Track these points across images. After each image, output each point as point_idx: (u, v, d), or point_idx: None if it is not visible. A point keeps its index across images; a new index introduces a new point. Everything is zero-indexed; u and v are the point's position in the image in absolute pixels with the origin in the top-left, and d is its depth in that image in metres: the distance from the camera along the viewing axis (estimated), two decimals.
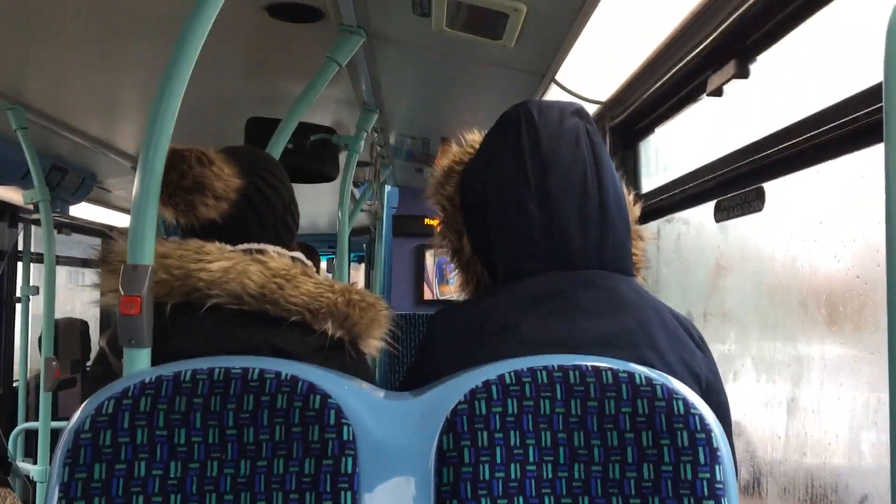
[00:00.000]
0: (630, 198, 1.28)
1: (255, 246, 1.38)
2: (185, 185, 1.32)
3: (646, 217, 1.54)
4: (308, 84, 2.10)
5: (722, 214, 1.68)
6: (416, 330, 4.94)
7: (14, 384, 4.69)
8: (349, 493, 0.94)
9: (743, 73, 1.62)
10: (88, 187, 4.20)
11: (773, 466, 1.72)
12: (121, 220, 5.42)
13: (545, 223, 1.17)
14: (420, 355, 1.22)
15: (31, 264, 4.78)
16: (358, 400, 1.00)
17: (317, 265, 1.38)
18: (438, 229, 1.34)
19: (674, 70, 1.91)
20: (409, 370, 1.23)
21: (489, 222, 1.23)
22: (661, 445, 0.96)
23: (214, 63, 2.18)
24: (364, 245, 8.49)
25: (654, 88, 2.09)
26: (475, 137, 1.32)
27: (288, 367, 1.00)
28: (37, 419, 3.57)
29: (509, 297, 1.16)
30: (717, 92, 1.73)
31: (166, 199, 1.31)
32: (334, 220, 3.58)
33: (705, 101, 1.94)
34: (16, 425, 4.28)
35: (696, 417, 0.96)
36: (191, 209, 1.33)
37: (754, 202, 1.54)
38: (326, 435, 0.95)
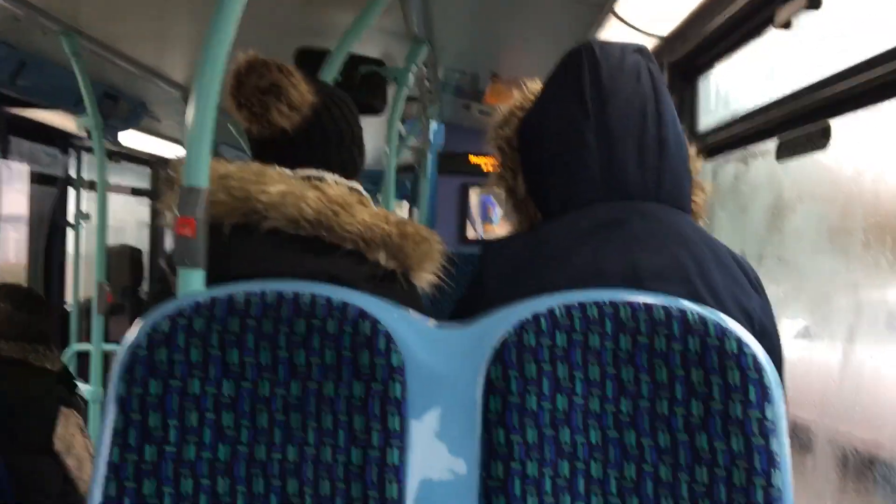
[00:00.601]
0: (691, 150, 1.25)
1: (314, 173, 1.39)
2: (263, 86, 1.34)
3: (705, 154, 1.49)
4: (359, 14, 2.07)
5: (784, 152, 1.62)
6: (461, 269, 4.95)
7: (67, 308, 4.85)
8: (397, 417, 0.95)
9: (815, 2, 1.54)
10: (139, 115, 4.24)
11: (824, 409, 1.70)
12: (169, 149, 5.49)
13: (603, 153, 1.16)
14: (472, 286, 1.22)
15: (83, 191, 4.88)
16: (407, 328, 1.00)
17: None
18: (495, 170, 1.33)
19: (742, 1, 1.83)
20: (460, 301, 1.23)
21: (546, 155, 1.22)
22: (710, 383, 0.95)
23: None
24: (407, 183, 8.49)
25: (719, 22, 2.00)
26: (537, 86, 1.31)
27: (339, 293, 1.00)
28: (88, 342, 3.69)
29: (562, 228, 1.15)
30: (786, 24, 1.65)
31: (242, 101, 1.35)
32: (380, 157, 3.58)
33: (771, 35, 1.86)
34: (68, 347, 4.44)
35: (749, 357, 0.95)
36: (265, 113, 1.36)
37: (819, 140, 1.48)
38: (376, 360, 0.96)
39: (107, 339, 3.85)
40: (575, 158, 1.18)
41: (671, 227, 1.14)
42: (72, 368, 4.29)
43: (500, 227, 5.49)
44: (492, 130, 1.33)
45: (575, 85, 1.20)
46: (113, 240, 5.84)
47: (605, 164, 1.16)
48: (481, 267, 1.20)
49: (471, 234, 5.67)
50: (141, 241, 6.36)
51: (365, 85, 2.97)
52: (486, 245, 1.23)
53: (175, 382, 0.95)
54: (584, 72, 1.20)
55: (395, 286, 1.31)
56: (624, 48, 1.23)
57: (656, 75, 1.21)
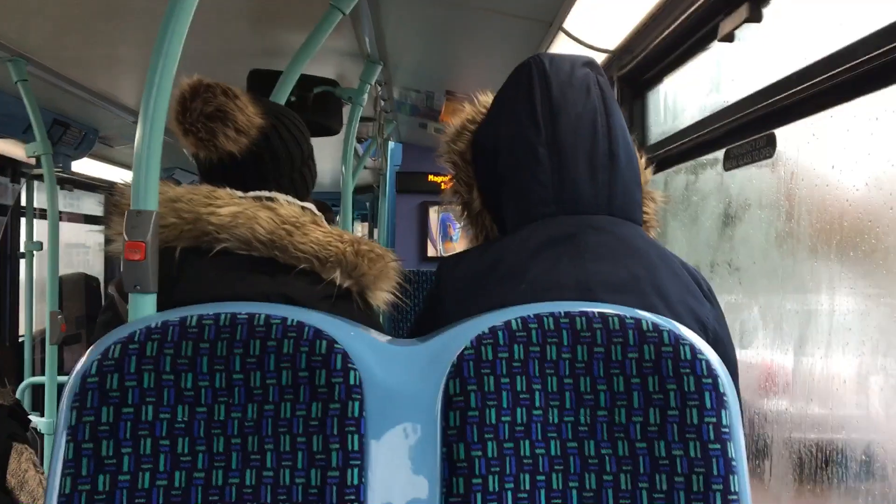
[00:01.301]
0: (641, 160, 1.27)
1: (265, 193, 1.37)
2: (208, 111, 1.33)
3: (655, 167, 1.52)
4: (311, 33, 2.07)
5: (732, 162, 1.66)
6: (421, 286, 4.96)
7: (20, 340, 4.73)
8: (356, 437, 0.94)
9: (756, 16, 1.58)
10: (91, 142, 4.18)
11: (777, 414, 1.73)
12: (124, 176, 5.39)
13: (555, 168, 1.17)
14: (428, 303, 1.22)
15: (35, 220, 4.77)
16: (364, 345, 0.99)
17: (330, 222, 1.38)
18: (449, 185, 1.34)
19: (684, 16, 1.87)
20: (418, 318, 1.23)
21: (500, 170, 1.23)
22: (667, 390, 0.96)
23: (215, 13, 2.15)
24: (367, 203, 8.47)
25: (663, 35, 2.05)
26: (488, 99, 1.32)
27: (294, 313, 0.99)
28: (43, 374, 3.60)
29: (517, 242, 1.16)
30: (729, 37, 1.69)
31: (188, 126, 1.33)
32: (337, 178, 3.57)
33: (715, 48, 1.90)
34: (23, 380, 4.32)
35: (703, 362, 0.96)
36: (211, 138, 1.34)
37: (765, 149, 1.52)
38: (333, 379, 0.95)
39: (63, 370, 3.75)
40: (527, 174, 1.19)
41: (623, 240, 1.15)
42: (27, 401, 4.18)
43: (460, 245, 5.52)
44: (444, 145, 1.33)
45: (526, 99, 1.21)
46: (80, 267, 5.73)
47: (557, 179, 1.17)
48: (438, 283, 1.20)
49: (431, 251, 5.67)
50: (98, 268, 6.25)
51: (320, 106, 2.96)
52: (443, 261, 1.23)
53: (127, 409, 0.94)
54: (535, 86, 1.21)
55: (352, 305, 1.30)
56: (573, 62, 1.24)
57: (605, 88, 1.22)
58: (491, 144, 1.25)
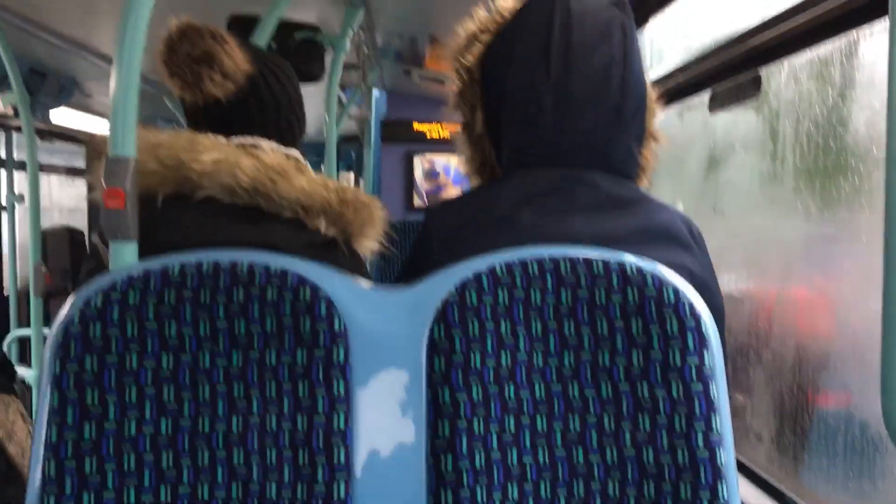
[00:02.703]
0: (653, 99, 1.22)
1: (249, 140, 1.36)
2: (195, 54, 1.31)
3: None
4: None
5: (717, 104, 1.65)
6: (408, 237, 4.95)
7: (5, 294, 4.71)
8: (341, 382, 0.95)
9: None
10: (69, 91, 4.10)
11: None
12: (104, 125, 5.31)
13: (557, 118, 1.14)
14: (416, 249, 1.21)
15: (15, 172, 4.72)
16: (348, 292, 0.99)
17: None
18: (453, 98, 1.27)
19: None
20: (405, 266, 1.22)
21: (504, 105, 1.19)
22: (650, 332, 0.96)
23: None
24: (352, 153, 8.40)
25: None
26: (505, 4, 1.22)
27: (277, 261, 0.99)
28: (29, 326, 3.60)
29: (507, 191, 1.15)
30: None
31: (174, 69, 1.31)
32: (321, 128, 3.52)
33: None
34: (8, 332, 4.32)
35: (686, 305, 0.97)
36: (197, 82, 1.32)
37: (751, 89, 1.50)
38: (318, 326, 0.95)
39: (50, 323, 3.75)
40: (529, 116, 1.15)
41: (614, 196, 1.14)
42: (14, 353, 4.19)
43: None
44: (452, 52, 1.25)
45: (542, 35, 1.14)
46: (67, 221, 5.68)
47: (558, 130, 1.14)
48: (425, 230, 1.19)
49: (417, 202, 5.66)
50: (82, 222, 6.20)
51: (302, 52, 2.91)
52: (430, 209, 1.21)
53: (111, 358, 0.93)
54: (555, 19, 1.14)
55: (337, 253, 1.30)
56: (596, 1, 1.16)
57: (629, 32, 1.16)
58: (500, 73, 1.19)
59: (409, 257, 1.23)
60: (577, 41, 1.13)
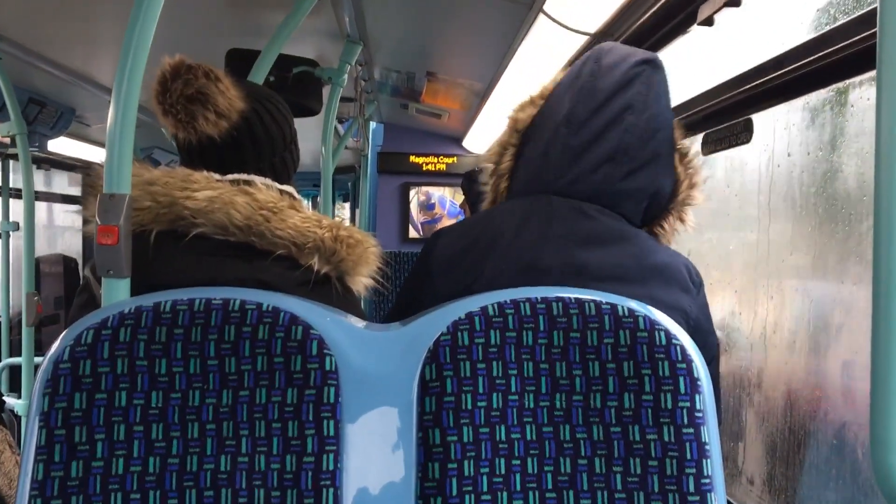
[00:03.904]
0: (679, 166, 1.25)
1: (243, 177, 1.36)
2: (188, 93, 1.30)
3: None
4: (290, 12, 2.04)
5: (709, 147, 1.66)
6: (402, 268, 4.95)
7: None
8: (332, 422, 0.94)
9: (735, 0, 1.58)
10: (67, 121, 4.12)
11: None
12: (101, 154, 5.32)
13: (566, 150, 1.19)
14: (414, 272, 1.25)
15: (11, 200, 4.71)
16: (340, 331, 0.99)
17: None
18: (495, 146, 1.35)
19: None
20: (402, 289, 1.25)
21: (528, 140, 1.26)
22: (641, 375, 0.96)
23: None
24: (349, 183, 8.43)
25: (643, 19, 2.04)
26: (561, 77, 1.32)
27: (270, 299, 0.99)
28: (20, 355, 3.57)
29: (505, 216, 1.18)
30: (709, 21, 1.69)
31: (167, 108, 1.31)
32: (318, 158, 3.54)
33: (695, 32, 1.90)
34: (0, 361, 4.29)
35: (678, 348, 0.97)
36: (190, 121, 1.32)
37: (742, 134, 1.52)
38: (309, 365, 0.95)
39: (41, 352, 3.72)
40: (544, 149, 1.22)
41: (611, 229, 1.16)
42: (4, 382, 4.15)
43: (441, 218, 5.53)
44: (513, 112, 1.34)
45: (572, 81, 1.23)
46: (61, 247, 5.67)
47: (565, 162, 1.19)
48: (425, 253, 1.23)
49: (413, 234, 5.66)
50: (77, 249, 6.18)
51: (300, 86, 2.93)
52: (432, 234, 1.26)
53: (100, 395, 0.93)
54: (584, 72, 1.23)
55: (331, 291, 1.30)
56: (629, 55, 1.24)
57: (655, 87, 1.22)
58: (536, 128, 1.27)
59: (408, 278, 1.27)
60: (600, 87, 1.20)
